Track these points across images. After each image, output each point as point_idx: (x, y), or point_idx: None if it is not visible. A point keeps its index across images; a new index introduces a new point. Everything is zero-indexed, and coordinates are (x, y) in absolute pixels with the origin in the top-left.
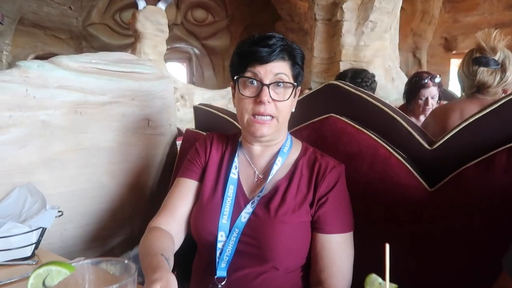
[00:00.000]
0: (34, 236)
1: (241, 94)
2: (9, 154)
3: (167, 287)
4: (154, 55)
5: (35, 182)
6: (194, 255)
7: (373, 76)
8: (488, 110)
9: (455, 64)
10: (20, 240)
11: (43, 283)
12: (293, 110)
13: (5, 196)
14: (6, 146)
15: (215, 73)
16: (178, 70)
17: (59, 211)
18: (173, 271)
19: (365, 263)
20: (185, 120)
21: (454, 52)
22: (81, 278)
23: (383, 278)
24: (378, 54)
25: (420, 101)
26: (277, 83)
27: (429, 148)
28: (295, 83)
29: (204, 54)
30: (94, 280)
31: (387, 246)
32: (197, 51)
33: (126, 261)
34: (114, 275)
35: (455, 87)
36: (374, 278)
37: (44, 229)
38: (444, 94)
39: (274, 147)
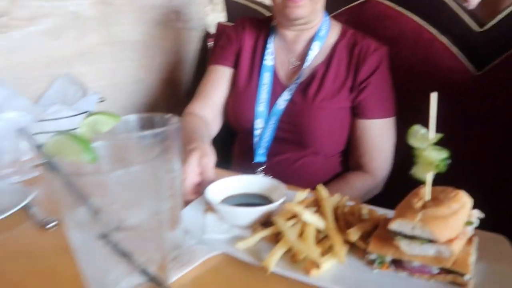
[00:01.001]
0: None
1: None
2: (45, 46)
3: (204, 156)
4: None
5: (75, 74)
6: (233, 143)
7: None
8: None
9: None
10: (68, 123)
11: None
12: None
13: (47, 87)
14: (41, 37)
15: None
16: None
17: (100, 97)
18: None
19: (407, 148)
20: None
21: None
22: (129, 127)
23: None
24: None
25: None
26: None
27: (479, 29)
28: None
29: None
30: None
31: (434, 94)
32: None
33: (170, 115)
34: None
35: None
36: (417, 128)
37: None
38: None
39: (309, 31)
